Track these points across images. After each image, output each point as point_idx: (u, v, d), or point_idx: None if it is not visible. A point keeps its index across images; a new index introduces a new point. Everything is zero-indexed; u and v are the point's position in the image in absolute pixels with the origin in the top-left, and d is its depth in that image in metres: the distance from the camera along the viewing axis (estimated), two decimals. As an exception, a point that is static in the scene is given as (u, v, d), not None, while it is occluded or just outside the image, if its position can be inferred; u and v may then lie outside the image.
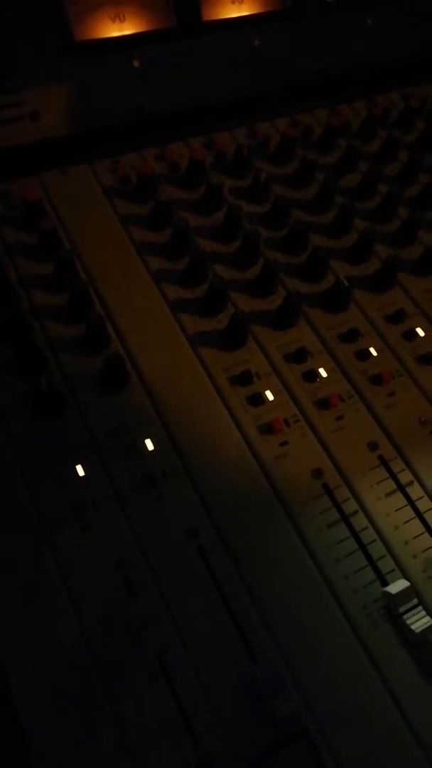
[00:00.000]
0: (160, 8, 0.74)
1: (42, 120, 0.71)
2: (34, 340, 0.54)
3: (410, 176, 0.75)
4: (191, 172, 0.69)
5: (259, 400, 0.56)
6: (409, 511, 0.52)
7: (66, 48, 0.70)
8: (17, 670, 0.42)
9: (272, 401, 0.56)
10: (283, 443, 0.54)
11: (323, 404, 0.57)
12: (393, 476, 0.54)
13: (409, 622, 0.45)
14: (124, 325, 0.58)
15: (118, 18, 0.73)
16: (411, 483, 0.54)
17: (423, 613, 0.46)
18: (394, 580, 0.49)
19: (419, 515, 0.52)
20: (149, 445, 0.52)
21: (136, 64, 0.74)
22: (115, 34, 0.73)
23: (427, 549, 0.51)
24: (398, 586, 0.47)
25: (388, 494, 0.53)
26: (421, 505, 0.53)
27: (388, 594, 0.47)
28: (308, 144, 0.76)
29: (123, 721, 0.41)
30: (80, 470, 0.49)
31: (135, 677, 0.43)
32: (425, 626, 0.45)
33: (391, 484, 0.54)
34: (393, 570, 0.49)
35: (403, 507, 0.53)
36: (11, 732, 0.41)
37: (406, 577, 0.49)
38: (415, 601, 0.47)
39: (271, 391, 0.57)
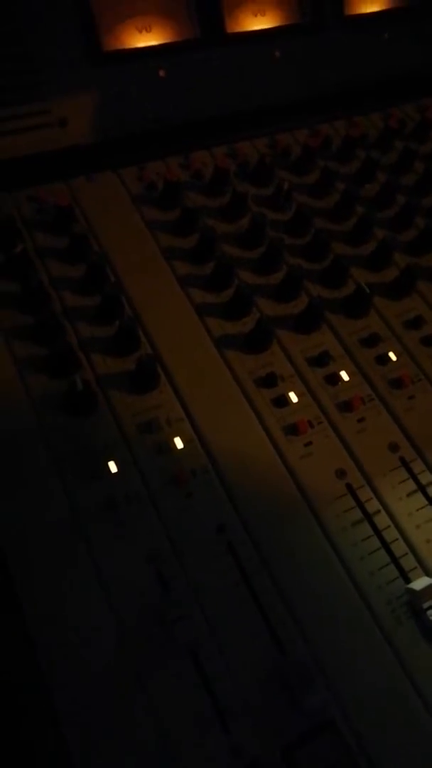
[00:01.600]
0: (185, 20, 0.76)
1: (70, 127, 0.73)
2: (67, 340, 0.55)
3: (426, 186, 0.77)
4: (216, 180, 0.71)
5: (283, 401, 0.58)
6: (429, 511, 0.54)
7: (94, 57, 0.72)
8: (53, 664, 0.43)
9: (296, 403, 0.58)
10: (308, 444, 0.56)
11: (345, 407, 0.59)
12: (413, 477, 0.56)
13: (432, 617, 0.47)
14: (152, 327, 0.60)
15: (145, 29, 0.75)
16: (431, 484, 0.55)
17: (446, 609, 0.48)
18: (417, 577, 0.50)
19: (440, 515, 0.54)
20: (179, 443, 0.53)
21: (161, 74, 0.76)
22: (142, 44, 0.75)
23: (448, 548, 0.52)
24: (422, 583, 0.48)
25: (409, 494, 0.55)
26: (442, 506, 0.54)
27: (412, 591, 0.48)
28: (328, 154, 0.78)
29: (157, 712, 0.43)
30: (113, 467, 0.51)
31: (168, 669, 0.44)
32: (448, 622, 0.47)
33: (411, 485, 0.55)
34: (415, 567, 0.51)
35: (424, 506, 0.54)
36: (48, 725, 0.42)
37: (428, 575, 0.50)
38: (438, 597, 0.48)
39: (295, 393, 0.58)
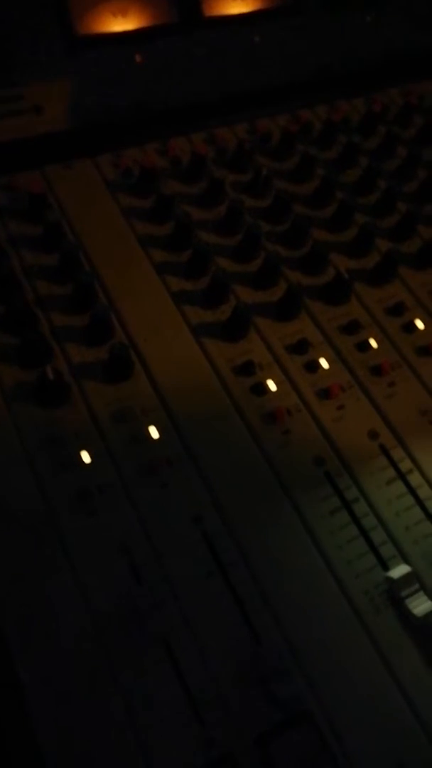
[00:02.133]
0: (162, 4, 0.75)
1: (45, 114, 0.71)
2: (40, 329, 0.54)
3: (409, 171, 0.76)
4: (193, 166, 0.70)
5: (261, 389, 0.57)
6: (409, 499, 0.53)
7: (69, 42, 0.71)
8: (22, 657, 0.42)
9: (275, 391, 0.57)
10: (285, 432, 0.55)
11: (324, 394, 0.58)
12: (393, 464, 0.55)
13: (411, 606, 0.46)
14: (127, 316, 0.59)
15: (121, 13, 0.74)
16: (411, 471, 0.55)
17: (425, 597, 0.47)
18: (396, 565, 0.49)
19: (419, 502, 0.53)
20: (154, 432, 0.52)
21: (137, 59, 0.75)
22: (118, 29, 0.74)
23: (427, 535, 0.51)
24: (400, 570, 0.48)
25: (389, 482, 0.54)
26: (422, 493, 0.54)
27: (391, 579, 0.48)
28: (308, 139, 0.77)
29: (129, 704, 0.42)
30: (86, 457, 0.50)
31: (140, 661, 0.43)
32: (427, 610, 0.46)
33: (391, 472, 0.54)
34: (394, 556, 0.50)
35: (404, 494, 0.53)
36: (18, 719, 0.41)
37: (408, 563, 0.50)
38: (417, 585, 0.48)
39: (273, 381, 0.57)
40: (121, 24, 0.74)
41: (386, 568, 0.49)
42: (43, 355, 0.54)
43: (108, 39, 0.73)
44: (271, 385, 0.57)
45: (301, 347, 0.60)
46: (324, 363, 0.60)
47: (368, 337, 0.62)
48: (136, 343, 0.57)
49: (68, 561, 0.46)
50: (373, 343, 0.62)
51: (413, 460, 0.55)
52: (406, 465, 0.55)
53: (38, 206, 0.62)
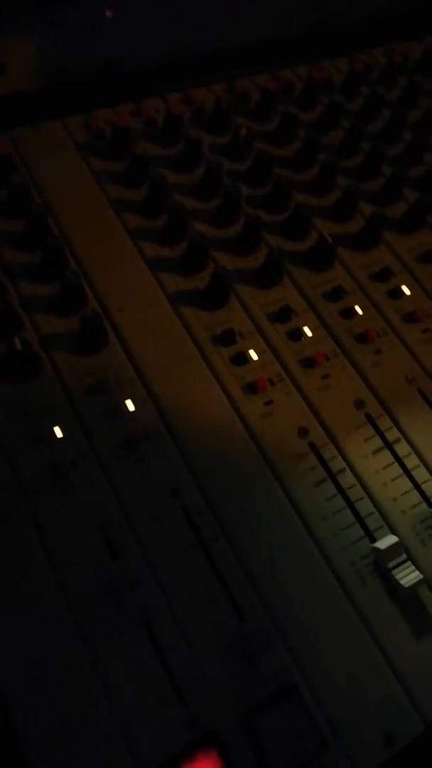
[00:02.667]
0: None
1: (9, 73, 0.67)
2: (7, 299, 0.51)
3: (394, 133, 0.73)
4: (168, 127, 0.66)
5: (242, 359, 0.54)
6: (396, 468, 0.52)
7: (34, -4, 0.67)
8: (-3, 637, 0.40)
9: (256, 361, 0.55)
10: (268, 402, 0.53)
11: (308, 363, 0.56)
12: (380, 434, 0.53)
13: (398, 576, 0.45)
14: (100, 284, 0.56)
15: (89, -35, 0.70)
16: (398, 440, 0.53)
17: (412, 567, 0.46)
18: (383, 536, 0.48)
19: (407, 472, 0.52)
20: (130, 405, 0.50)
21: (108, 14, 0.70)
22: (86, -19, 0.69)
23: (415, 505, 0.50)
24: (387, 541, 0.46)
25: (376, 452, 0.52)
26: (409, 462, 0.52)
27: (377, 549, 0.46)
28: (289, 99, 0.74)
29: (109, 684, 0.40)
30: (58, 432, 0.47)
31: (120, 640, 0.42)
32: (414, 581, 0.45)
33: (378, 442, 0.53)
34: (381, 527, 0.49)
35: (391, 464, 0.52)
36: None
37: (395, 533, 0.48)
38: (404, 556, 0.46)
39: (254, 351, 0.55)
40: (89, -24, 0.69)
41: (373, 539, 0.48)
42: (10, 326, 0.51)
43: (76, -8, 0.69)
44: (253, 355, 0.55)
45: (283, 315, 0.57)
46: (307, 331, 0.57)
47: (353, 304, 0.60)
48: (109, 312, 0.55)
49: (42, 538, 0.44)
50: (359, 309, 0.60)
51: (400, 429, 0.54)
52: (392, 434, 0.53)
53: (3, 168, 0.59)
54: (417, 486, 0.51)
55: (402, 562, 0.46)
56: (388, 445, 0.53)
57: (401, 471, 0.52)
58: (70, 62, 0.70)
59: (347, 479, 0.50)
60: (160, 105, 0.70)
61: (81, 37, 0.70)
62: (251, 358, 0.55)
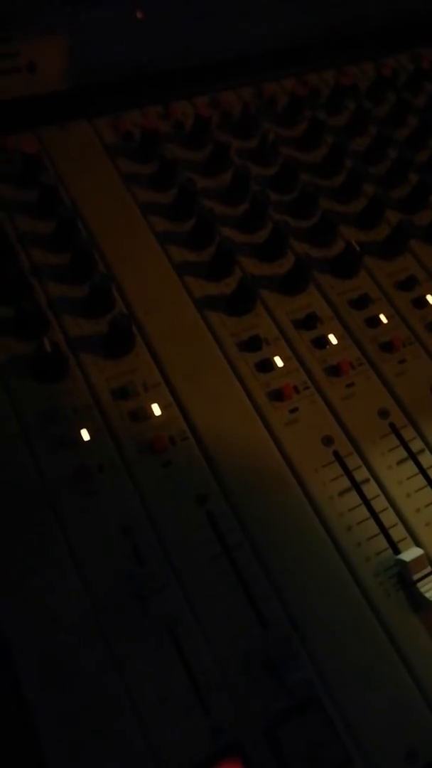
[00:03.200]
0: (165, -43, 0.71)
1: (39, 72, 0.67)
2: (36, 300, 0.51)
3: (420, 140, 0.73)
4: (196, 130, 0.66)
5: (268, 366, 0.54)
6: (420, 479, 0.52)
7: (65, -5, 0.67)
8: (21, 641, 0.40)
9: (281, 368, 0.55)
10: (293, 410, 0.53)
11: (333, 371, 0.55)
12: (404, 444, 0.53)
13: (423, 589, 0.45)
14: (128, 288, 0.56)
15: (121, -35, 0.69)
16: (422, 451, 0.53)
17: (437, 580, 0.46)
18: (406, 548, 0.48)
19: (431, 483, 0.51)
20: (156, 410, 0.50)
21: (139, 15, 0.70)
22: (117, -18, 0.69)
23: (439, 517, 0.50)
24: (412, 553, 0.46)
25: (400, 462, 0.52)
26: (433, 474, 0.52)
27: (402, 562, 0.46)
28: (316, 105, 0.74)
29: (133, 691, 0.40)
30: (85, 434, 0.48)
31: (144, 646, 0.42)
32: (439, 594, 0.45)
33: (402, 452, 0.53)
34: (405, 538, 0.48)
35: (415, 475, 0.52)
36: (16, 704, 0.40)
37: (418, 545, 0.48)
38: (429, 568, 0.46)
39: (280, 358, 0.55)
40: (120, -23, 0.69)
41: (397, 550, 0.48)
42: (39, 327, 0.51)
43: (107, -7, 0.68)
44: (278, 362, 0.55)
45: (309, 322, 0.57)
46: (333, 339, 0.57)
47: (378, 312, 0.60)
48: (137, 316, 0.55)
49: (67, 543, 0.44)
50: (384, 318, 0.59)
51: (424, 440, 0.53)
52: (417, 445, 0.53)
53: (32, 168, 0.59)
54: (441, 498, 0.51)
55: (427, 575, 0.45)
56: (412, 456, 0.53)
57: (425, 482, 0.52)
58: (99, 62, 0.70)
59: (371, 489, 0.50)
60: (188, 108, 0.70)
61: (110, 37, 0.70)
62: (276, 365, 0.55)
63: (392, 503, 0.50)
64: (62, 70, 0.68)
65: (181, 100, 0.71)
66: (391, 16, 0.84)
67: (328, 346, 0.57)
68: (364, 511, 0.49)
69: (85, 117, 0.67)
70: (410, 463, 0.52)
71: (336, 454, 0.51)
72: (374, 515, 0.49)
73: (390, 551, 0.48)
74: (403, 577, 0.46)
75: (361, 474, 0.51)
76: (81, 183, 0.61)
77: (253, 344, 0.55)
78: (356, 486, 0.50)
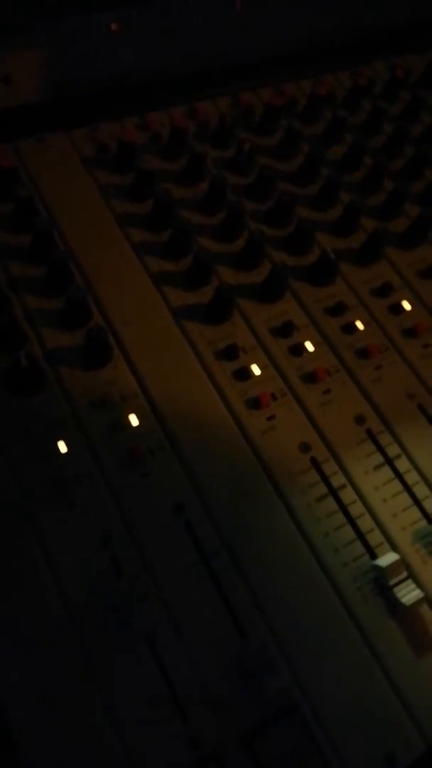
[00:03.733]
0: (139, -31, 0.71)
1: (15, 85, 0.68)
2: (12, 313, 0.52)
3: (396, 148, 0.74)
4: (173, 141, 0.67)
5: (245, 374, 0.55)
6: (397, 485, 0.52)
7: (40, 8, 0.67)
8: None
9: (259, 375, 0.55)
10: (270, 417, 0.53)
11: (310, 378, 0.56)
12: (381, 449, 0.54)
13: (399, 594, 0.45)
14: (105, 299, 0.56)
15: (95, -22, 0.70)
16: (399, 456, 0.53)
17: (413, 585, 0.46)
18: (383, 553, 0.48)
19: (407, 488, 0.52)
20: (134, 420, 0.50)
21: (113, 27, 0.71)
22: (92, -5, 0.70)
23: (415, 522, 0.50)
24: (388, 559, 0.47)
25: (376, 467, 0.53)
26: (409, 478, 0.52)
27: (378, 567, 0.46)
28: (293, 114, 0.74)
29: (111, 701, 0.41)
30: (62, 447, 0.48)
31: (123, 657, 0.42)
32: (415, 599, 0.45)
33: (378, 458, 0.53)
34: (382, 543, 0.49)
35: (391, 480, 0.52)
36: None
37: (395, 550, 0.49)
38: (405, 573, 0.47)
39: (257, 366, 0.55)
40: (95, -10, 0.70)
41: (374, 556, 0.48)
42: (16, 340, 0.51)
43: (82, 5, 0.69)
44: (255, 370, 0.55)
45: (285, 330, 0.58)
46: (309, 346, 0.58)
47: (354, 319, 0.60)
48: (114, 327, 0.55)
49: (45, 554, 0.44)
50: (360, 325, 0.60)
51: (401, 445, 0.54)
52: (393, 450, 0.54)
53: (8, 181, 0.59)
54: (417, 502, 0.51)
55: (403, 580, 0.46)
56: (389, 461, 0.53)
57: (401, 487, 0.52)
58: (76, 74, 0.70)
59: (348, 495, 0.51)
60: (164, 119, 0.70)
61: (86, 49, 0.70)
62: (254, 373, 0.55)
63: (369, 509, 0.50)
64: (38, 83, 0.69)
65: (158, 111, 0.71)
66: (366, 25, 0.85)
67: (304, 354, 0.57)
68: (341, 517, 0.50)
69: (62, 129, 0.67)
70: (386, 469, 0.53)
71: (313, 460, 0.52)
72: (351, 521, 0.50)
73: (367, 557, 0.48)
74: (380, 582, 0.47)
75: (338, 480, 0.51)
76: (58, 195, 0.62)
77: (230, 353, 0.56)
78: (333, 492, 0.51)
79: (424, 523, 0.51)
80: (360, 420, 0.55)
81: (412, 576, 0.47)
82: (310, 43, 0.82)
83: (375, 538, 0.49)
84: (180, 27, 0.74)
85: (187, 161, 0.65)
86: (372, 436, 0.54)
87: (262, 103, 0.74)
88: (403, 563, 0.47)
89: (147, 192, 0.62)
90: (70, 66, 0.69)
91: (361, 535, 0.49)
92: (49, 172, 0.63)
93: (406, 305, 0.63)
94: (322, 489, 0.51)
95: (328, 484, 0.51)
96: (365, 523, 0.50)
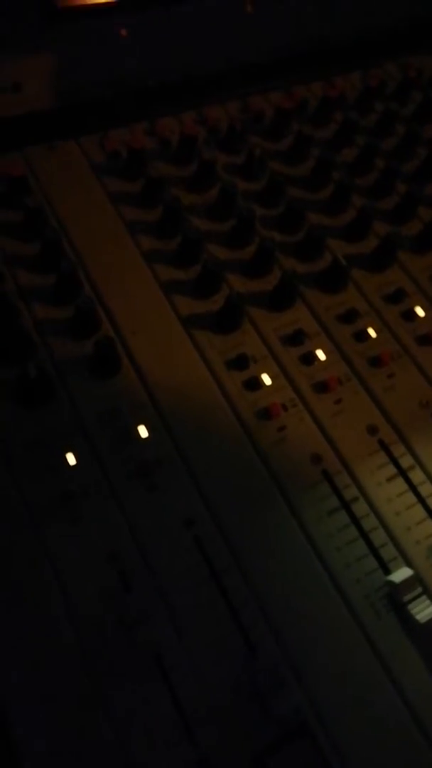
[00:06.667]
0: (148, -27, 0.71)
1: (24, 92, 0.67)
2: (21, 323, 0.51)
3: (408, 150, 0.73)
4: (183, 147, 0.66)
5: (255, 384, 0.54)
6: (410, 497, 0.51)
7: (48, 15, 0.67)
8: (5, 670, 0.40)
9: (269, 385, 0.54)
10: (281, 428, 0.52)
11: (321, 387, 0.55)
12: (394, 461, 0.53)
13: (414, 611, 0.44)
14: (114, 308, 0.56)
15: (104, -17, 0.69)
16: (412, 467, 0.52)
17: (428, 602, 0.45)
18: (397, 568, 0.47)
19: (421, 500, 0.51)
20: (143, 432, 0.50)
21: (122, 32, 0.70)
22: (100, 0, 0.69)
23: (430, 536, 0.49)
24: (402, 574, 0.46)
25: (389, 479, 0.52)
26: (424, 490, 0.51)
27: (392, 583, 0.45)
28: (304, 118, 0.74)
29: (118, 720, 0.40)
30: (71, 459, 0.47)
31: (130, 675, 0.41)
32: (430, 616, 0.44)
33: (391, 469, 0.52)
34: (395, 558, 0.48)
35: (405, 492, 0.51)
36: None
37: (409, 565, 0.48)
38: (420, 589, 0.46)
39: (268, 375, 0.55)
40: (104, -5, 0.69)
41: (387, 571, 0.47)
42: (24, 350, 0.51)
43: (90, 11, 0.69)
44: (266, 379, 0.54)
45: (296, 338, 0.57)
46: (321, 354, 0.57)
47: (367, 327, 0.59)
48: (123, 336, 0.54)
49: (53, 569, 0.44)
50: (372, 332, 0.59)
51: (414, 456, 0.53)
52: (406, 461, 0.53)
53: (18, 190, 0.59)
54: (432, 515, 0.50)
55: (417, 596, 0.45)
56: (402, 473, 0.52)
57: (415, 499, 0.51)
58: (85, 81, 0.70)
59: (360, 508, 0.50)
60: (174, 124, 0.70)
61: (95, 55, 0.70)
62: (264, 383, 0.54)
63: (382, 522, 0.49)
64: (48, 90, 0.68)
65: (167, 116, 0.71)
66: (376, 25, 0.84)
67: (315, 362, 0.56)
68: (353, 531, 0.49)
69: (71, 136, 0.66)
70: (400, 480, 0.52)
71: (325, 472, 0.51)
72: (364, 535, 0.49)
73: (380, 572, 0.47)
74: (394, 598, 0.46)
75: (351, 492, 0.50)
76: (68, 203, 0.61)
77: (240, 362, 0.55)
78: (345, 505, 0.50)
79: (438, 536, 0.49)
80: (372, 430, 0.54)
81: (427, 592, 0.46)
82: (320, 45, 0.81)
83: (388, 552, 0.48)
84: (189, 31, 0.73)
85: (196, 167, 0.65)
86: (385, 447, 0.53)
87: (272, 106, 0.73)
88: (417, 579, 0.46)
89: (156, 199, 0.62)
90: (78, 72, 0.69)
91: (374, 550, 0.48)
92: (58, 179, 0.63)
93: (420, 311, 0.61)
94: (334, 502, 0.50)
95: (340, 497, 0.50)
96: (378, 537, 0.49)
